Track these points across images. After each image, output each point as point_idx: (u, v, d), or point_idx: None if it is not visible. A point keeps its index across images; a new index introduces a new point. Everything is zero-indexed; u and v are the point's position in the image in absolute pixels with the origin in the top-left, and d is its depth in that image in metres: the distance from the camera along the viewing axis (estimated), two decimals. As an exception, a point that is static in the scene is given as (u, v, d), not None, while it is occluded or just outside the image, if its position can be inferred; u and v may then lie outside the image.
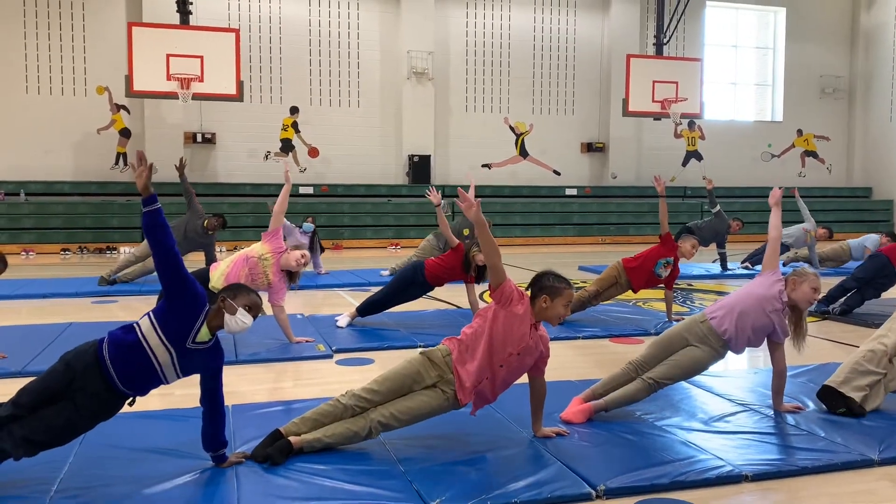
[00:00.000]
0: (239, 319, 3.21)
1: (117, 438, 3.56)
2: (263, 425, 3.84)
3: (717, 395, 4.52)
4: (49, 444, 3.03)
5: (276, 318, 5.91)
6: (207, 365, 3.25)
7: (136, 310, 7.60)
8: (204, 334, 3.16)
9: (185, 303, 3.09)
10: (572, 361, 5.75)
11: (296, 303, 8.39)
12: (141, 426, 3.80)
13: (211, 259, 9.34)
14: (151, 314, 3.13)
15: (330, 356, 5.63)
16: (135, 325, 3.13)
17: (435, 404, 3.49)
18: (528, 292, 3.58)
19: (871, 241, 10.97)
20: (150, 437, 3.68)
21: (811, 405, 4.29)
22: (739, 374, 5.20)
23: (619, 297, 7.35)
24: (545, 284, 3.54)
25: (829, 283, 9.79)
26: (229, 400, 4.40)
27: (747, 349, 4.17)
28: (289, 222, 9.75)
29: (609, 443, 3.65)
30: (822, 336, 6.59)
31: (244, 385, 4.90)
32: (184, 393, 4.66)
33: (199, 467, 3.30)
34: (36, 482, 3.10)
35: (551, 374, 5.09)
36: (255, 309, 3.28)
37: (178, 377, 3.21)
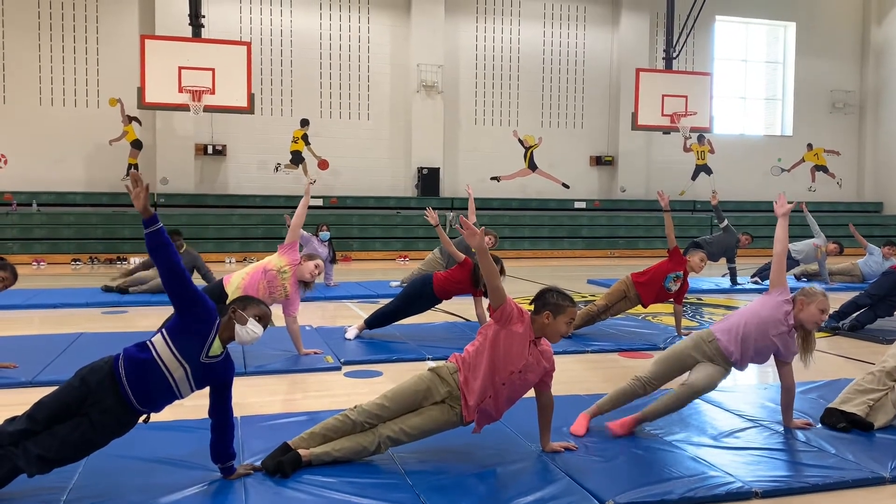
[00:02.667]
0: (250, 330, 3.24)
1: (127, 449, 3.57)
2: (272, 437, 3.85)
3: (727, 410, 4.49)
4: (63, 462, 3.03)
5: (289, 329, 5.92)
6: (219, 377, 3.27)
7: (146, 316, 7.63)
8: (216, 348, 3.19)
9: (196, 318, 3.12)
10: (581, 375, 5.74)
11: (305, 314, 8.39)
12: (150, 437, 3.81)
13: (206, 273, 9.39)
14: (164, 331, 3.15)
15: (338, 368, 5.64)
16: (148, 342, 3.15)
17: (443, 420, 3.49)
18: (532, 307, 3.58)
19: (874, 258, 10.99)
20: (159, 447, 3.69)
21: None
22: (749, 389, 5.17)
23: (628, 311, 7.33)
24: (549, 301, 3.54)
25: (840, 299, 9.75)
26: (237, 411, 4.40)
27: (755, 364, 4.17)
28: (305, 233, 9.81)
29: (618, 458, 3.63)
30: (832, 352, 6.55)
31: (253, 396, 4.91)
32: (193, 404, 4.67)
33: (208, 478, 3.31)
34: (46, 491, 3.11)
35: (559, 388, 5.08)
36: (264, 319, 3.31)
37: (192, 391, 3.24)
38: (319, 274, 5.92)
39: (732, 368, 4.09)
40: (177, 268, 3.06)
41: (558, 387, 5.11)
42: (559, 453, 3.67)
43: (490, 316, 3.55)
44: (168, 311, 3.29)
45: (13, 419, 3.04)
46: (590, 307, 6.95)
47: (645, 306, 7.00)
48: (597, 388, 5.17)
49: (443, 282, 6.63)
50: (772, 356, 4.11)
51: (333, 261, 10.91)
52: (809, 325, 4.02)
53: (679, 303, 7.00)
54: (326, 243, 10.73)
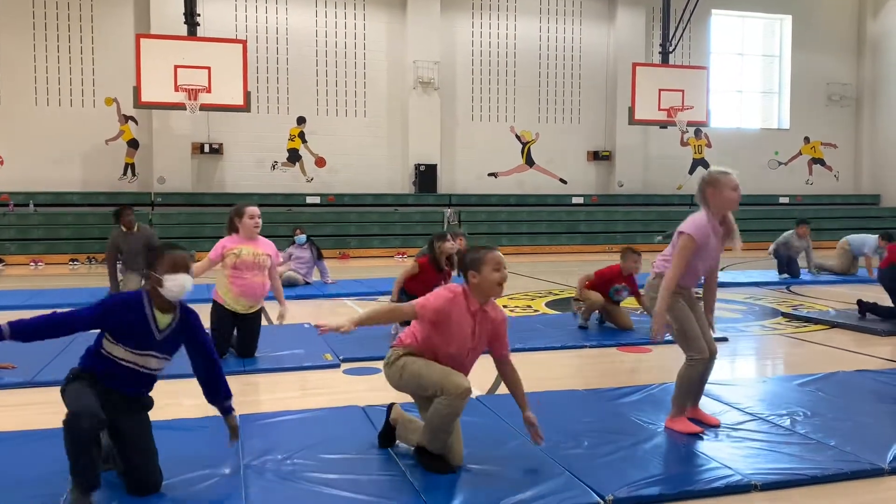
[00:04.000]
0: (169, 288, 3.09)
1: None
2: (271, 435, 3.85)
3: (726, 403, 4.50)
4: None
5: (273, 282, 5.91)
6: (186, 334, 3.25)
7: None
8: (162, 320, 3.15)
9: (113, 322, 3.08)
10: (580, 371, 5.74)
11: (303, 312, 8.40)
12: (149, 436, 3.81)
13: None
14: (108, 336, 3.11)
15: (337, 366, 5.64)
16: (103, 351, 3.11)
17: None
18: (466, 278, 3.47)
19: (869, 245, 10.96)
20: (159, 446, 3.68)
21: (828, 413, 4.27)
22: (747, 382, 5.18)
23: (626, 305, 7.32)
24: (466, 261, 3.46)
25: (840, 293, 9.78)
26: (237, 409, 4.41)
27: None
28: (283, 253, 9.71)
29: (617, 452, 3.64)
30: (829, 344, 6.56)
31: (252, 395, 4.91)
32: (193, 403, 4.67)
33: (208, 478, 3.31)
34: (46, 491, 3.10)
35: (558, 383, 5.10)
36: (178, 266, 3.11)
37: (171, 356, 3.24)
38: (258, 223, 5.77)
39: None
40: (49, 328, 3.02)
41: (556, 381, 5.14)
42: (535, 429, 3.53)
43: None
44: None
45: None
46: (591, 304, 6.98)
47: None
48: (595, 382, 5.18)
49: (415, 288, 6.53)
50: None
51: (320, 258, 10.67)
52: (729, 207, 3.95)
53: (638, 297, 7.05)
54: (306, 246, 10.53)
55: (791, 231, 11.30)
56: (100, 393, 3.04)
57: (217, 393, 3.36)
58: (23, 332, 3.01)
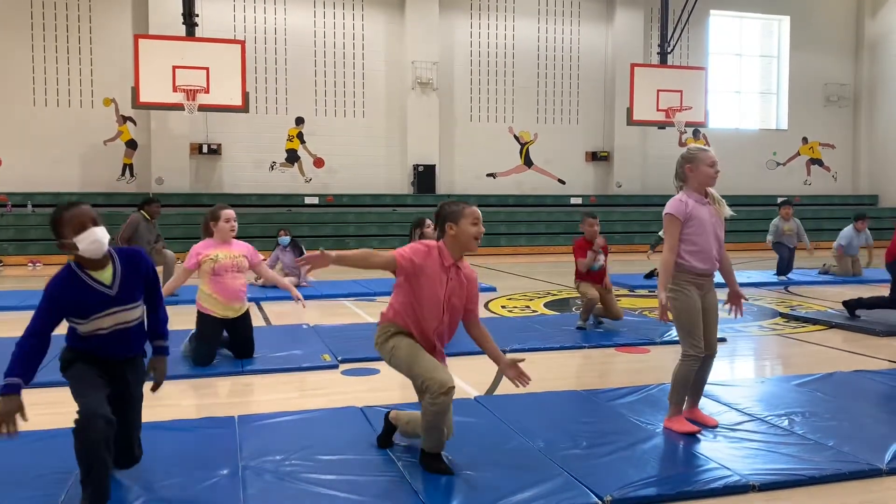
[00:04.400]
0: (86, 248, 2.94)
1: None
2: (269, 436, 3.85)
3: (724, 404, 4.50)
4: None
5: (265, 276, 5.94)
6: (140, 274, 3.14)
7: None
8: (103, 276, 3.03)
9: (66, 304, 2.97)
10: (578, 371, 5.75)
11: (301, 313, 8.40)
12: (149, 436, 3.80)
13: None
14: (73, 320, 3.04)
15: (336, 366, 5.64)
16: (79, 334, 3.05)
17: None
18: (442, 233, 3.49)
19: (853, 238, 11.16)
20: (157, 447, 3.69)
21: (825, 413, 4.28)
22: (746, 382, 5.19)
23: (623, 305, 7.34)
24: (444, 213, 3.47)
25: (838, 294, 9.79)
26: (235, 410, 4.41)
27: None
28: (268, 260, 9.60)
29: (615, 453, 3.64)
30: (827, 345, 6.56)
31: (249, 395, 4.91)
32: (192, 404, 4.67)
33: (207, 478, 3.31)
34: (45, 491, 3.10)
35: (556, 383, 5.10)
36: (82, 224, 2.94)
37: (140, 299, 3.13)
38: (234, 227, 5.76)
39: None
40: (34, 354, 2.93)
41: (554, 382, 5.14)
42: (518, 371, 3.51)
43: (396, 277, 3.47)
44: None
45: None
46: (589, 300, 7.01)
47: (601, 284, 7.11)
48: (593, 383, 5.18)
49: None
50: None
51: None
52: (708, 183, 3.94)
53: (601, 282, 7.06)
54: (289, 248, 10.28)
55: (776, 219, 11.32)
56: (99, 367, 3.02)
57: (155, 329, 3.27)
58: (25, 372, 2.91)
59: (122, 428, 3.09)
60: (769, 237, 11.31)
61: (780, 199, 11.47)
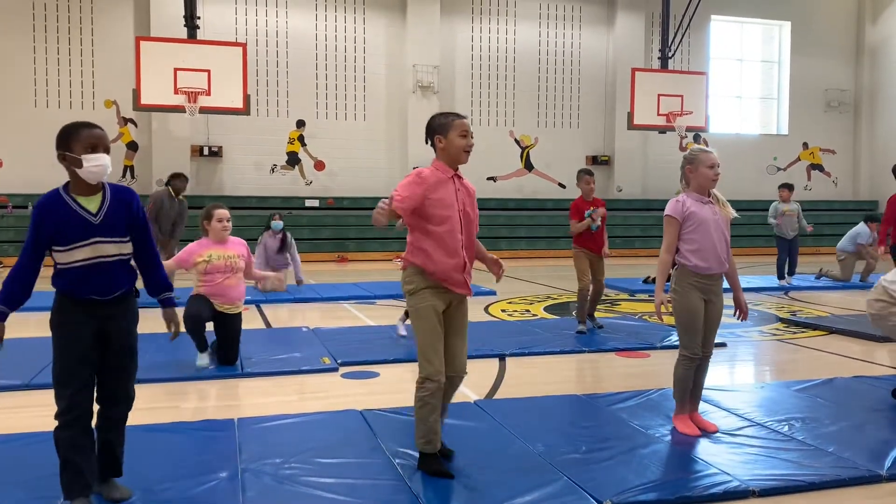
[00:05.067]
0: (89, 168, 2.88)
1: (126, 449, 3.56)
2: (269, 439, 3.85)
3: (724, 409, 4.50)
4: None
5: (249, 274, 5.91)
6: (129, 212, 3.03)
7: (143, 319, 7.58)
8: (90, 203, 2.94)
9: (50, 225, 2.89)
10: (578, 376, 5.74)
11: (301, 316, 8.40)
12: (148, 439, 3.81)
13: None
14: (55, 249, 2.94)
15: (336, 369, 5.63)
16: (61, 269, 2.95)
17: (461, 315, 3.53)
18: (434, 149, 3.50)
19: (862, 236, 11.26)
20: (158, 448, 3.68)
21: (825, 419, 4.27)
22: (746, 388, 5.18)
23: (622, 309, 7.33)
24: (433, 126, 3.49)
25: (839, 299, 9.78)
26: (234, 413, 4.41)
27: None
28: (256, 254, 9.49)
29: (615, 457, 3.64)
30: (827, 350, 6.56)
31: (249, 399, 4.91)
32: (192, 406, 4.67)
33: (206, 481, 3.30)
34: (44, 497, 3.10)
35: (556, 388, 5.09)
36: (99, 145, 2.92)
37: (125, 235, 3.02)
38: (227, 226, 5.76)
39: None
40: (24, 277, 2.95)
41: (554, 386, 5.13)
42: (499, 272, 3.62)
43: (408, 224, 3.43)
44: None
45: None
46: (580, 293, 7.06)
47: (598, 253, 7.15)
48: (594, 388, 5.18)
49: None
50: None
51: (281, 250, 10.02)
52: (708, 185, 3.95)
53: (599, 250, 7.14)
54: (279, 234, 10.04)
55: (776, 202, 11.31)
56: (88, 326, 2.94)
57: (155, 282, 3.20)
58: (12, 300, 2.94)
59: (117, 374, 3.06)
60: (770, 219, 11.29)
61: (779, 187, 11.46)
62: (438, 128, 3.46)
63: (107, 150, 2.95)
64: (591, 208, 7.08)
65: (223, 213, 5.74)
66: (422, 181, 3.37)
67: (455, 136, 3.43)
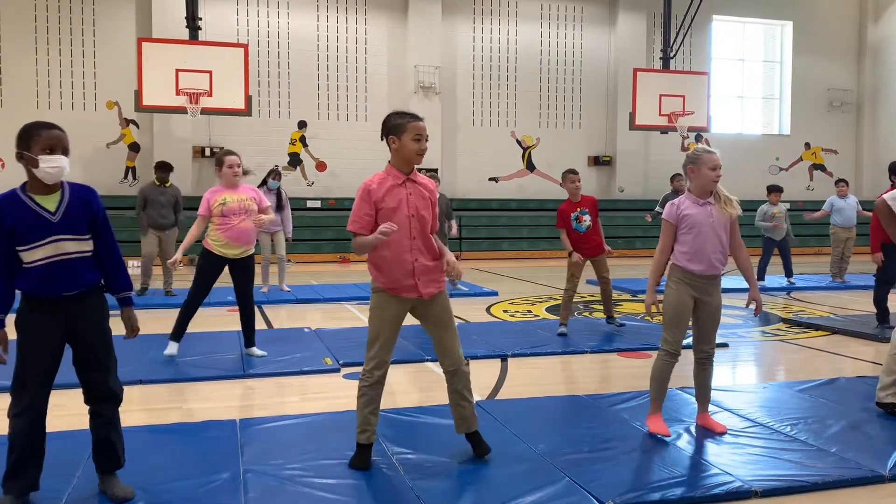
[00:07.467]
0: (46, 169, 2.88)
1: (126, 450, 3.56)
2: (270, 440, 3.85)
3: (726, 409, 4.49)
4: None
5: (266, 221, 5.97)
6: (89, 210, 3.03)
7: (143, 321, 7.59)
8: (48, 202, 2.94)
9: (11, 222, 2.89)
10: (580, 376, 5.74)
11: (303, 316, 8.40)
12: (150, 439, 3.81)
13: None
14: (18, 249, 2.94)
15: (337, 370, 5.63)
16: (24, 268, 2.95)
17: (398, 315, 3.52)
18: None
19: (846, 204, 11.54)
20: (158, 449, 3.69)
21: (828, 420, 4.26)
22: (748, 388, 5.17)
23: (624, 310, 7.32)
24: (388, 125, 3.48)
25: (841, 300, 9.79)
26: (236, 414, 4.41)
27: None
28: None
29: (617, 458, 3.63)
30: (830, 351, 6.55)
31: (251, 399, 4.91)
32: (192, 407, 4.67)
33: (208, 482, 3.30)
34: (45, 493, 3.10)
35: (559, 388, 5.09)
36: (56, 146, 2.91)
37: (85, 233, 3.02)
38: (237, 172, 5.89)
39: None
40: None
41: (557, 387, 5.13)
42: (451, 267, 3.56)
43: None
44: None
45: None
46: (566, 293, 7.15)
47: (594, 253, 7.23)
48: (596, 388, 5.17)
49: None
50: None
51: (279, 208, 10.01)
52: (710, 187, 3.92)
53: (597, 249, 7.17)
54: (274, 192, 10.04)
55: (765, 204, 11.37)
56: (51, 327, 2.96)
57: (115, 282, 3.17)
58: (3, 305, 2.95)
59: (97, 375, 3.08)
60: (758, 220, 11.35)
61: (768, 189, 11.53)
62: (393, 128, 3.47)
63: (65, 152, 2.95)
64: (578, 209, 7.00)
65: (234, 158, 5.98)
66: (368, 196, 3.42)
67: (408, 139, 3.44)
